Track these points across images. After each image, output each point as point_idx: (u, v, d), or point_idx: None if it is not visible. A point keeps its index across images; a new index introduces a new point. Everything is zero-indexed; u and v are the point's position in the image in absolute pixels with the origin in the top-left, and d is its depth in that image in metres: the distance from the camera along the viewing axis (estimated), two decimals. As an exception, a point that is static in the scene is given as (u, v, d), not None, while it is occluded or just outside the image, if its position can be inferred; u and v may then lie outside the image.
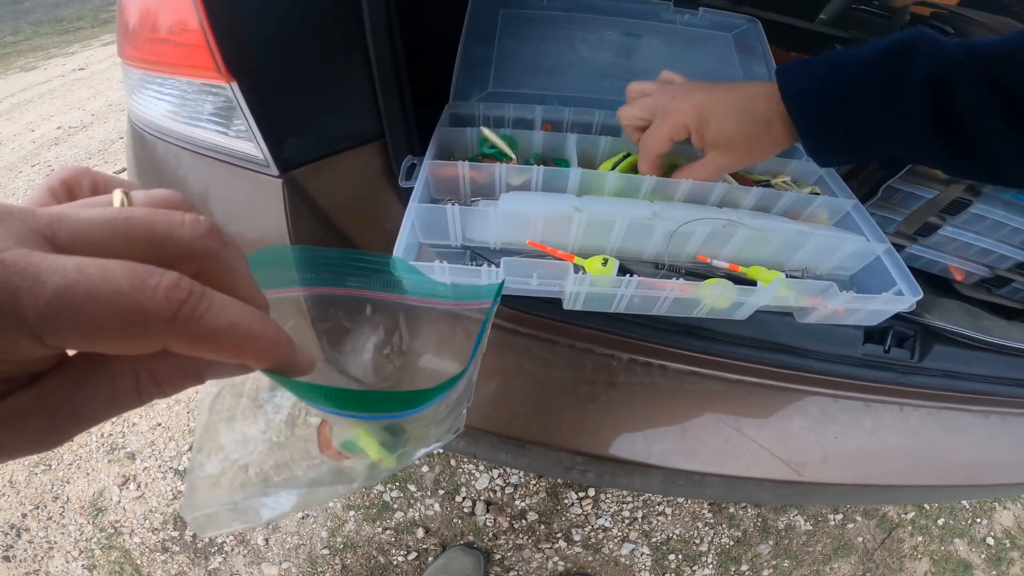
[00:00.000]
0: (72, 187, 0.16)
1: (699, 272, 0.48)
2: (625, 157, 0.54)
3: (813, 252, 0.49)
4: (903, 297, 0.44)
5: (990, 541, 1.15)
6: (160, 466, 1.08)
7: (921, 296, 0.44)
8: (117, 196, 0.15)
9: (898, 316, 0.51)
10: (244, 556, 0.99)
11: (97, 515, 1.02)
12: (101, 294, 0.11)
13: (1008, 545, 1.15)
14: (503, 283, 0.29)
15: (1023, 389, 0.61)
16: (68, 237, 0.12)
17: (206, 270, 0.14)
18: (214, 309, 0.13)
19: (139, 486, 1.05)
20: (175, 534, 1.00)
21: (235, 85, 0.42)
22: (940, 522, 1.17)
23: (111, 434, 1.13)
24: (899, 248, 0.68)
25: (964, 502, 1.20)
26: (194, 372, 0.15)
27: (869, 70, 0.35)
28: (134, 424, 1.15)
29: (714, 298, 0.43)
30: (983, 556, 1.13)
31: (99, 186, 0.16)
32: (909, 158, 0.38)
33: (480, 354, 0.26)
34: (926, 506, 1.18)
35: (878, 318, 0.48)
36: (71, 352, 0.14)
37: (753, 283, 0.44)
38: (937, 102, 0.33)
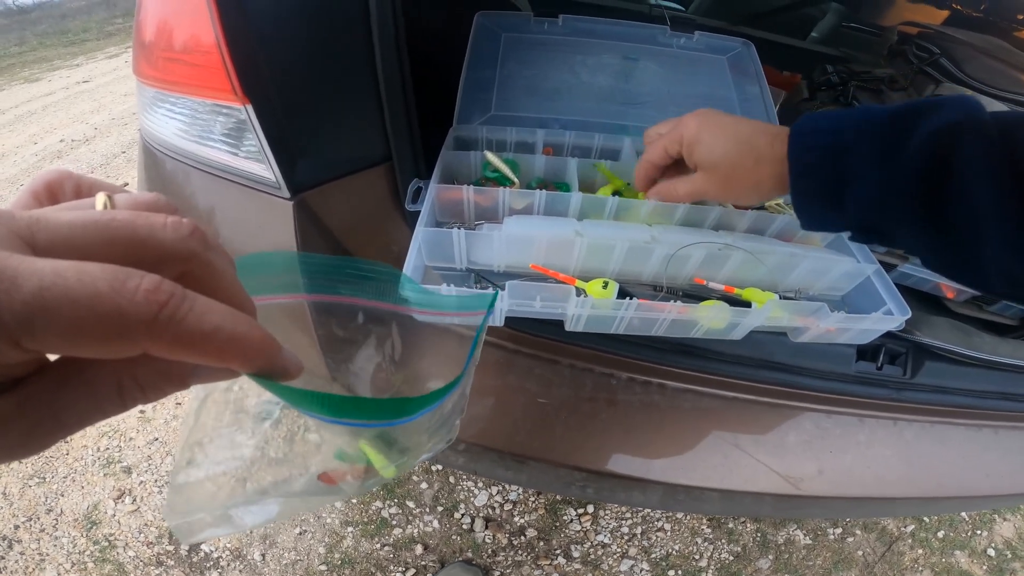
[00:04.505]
0: (55, 191, 0.16)
1: (696, 294, 0.50)
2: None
3: (806, 273, 0.50)
4: (892, 316, 0.46)
5: (991, 552, 1.15)
6: (156, 480, 1.07)
7: (909, 315, 0.46)
8: (100, 199, 0.15)
9: (890, 334, 0.53)
10: (240, 571, 0.98)
11: (91, 528, 1.00)
12: (79, 297, 0.11)
13: (1009, 556, 1.15)
14: (496, 295, 0.29)
15: (1013, 403, 0.62)
16: (48, 240, 0.12)
17: (190, 273, 0.14)
18: (196, 312, 0.13)
19: (135, 500, 1.05)
20: (170, 548, 0.99)
21: (250, 108, 0.43)
22: (940, 534, 1.17)
23: (107, 448, 1.13)
24: (891, 267, 0.70)
25: (964, 514, 1.20)
26: (179, 376, 0.15)
27: (880, 120, 0.33)
28: (131, 439, 1.15)
29: (710, 319, 0.44)
30: (984, 568, 1.13)
31: (82, 190, 0.16)
32: (883, 224, 0.34)
33: (474, 365, 0.26)
34: (925, 519, 1.19)
35: (869, 337, 0.50)
36: (53, 357, 0.13)
37: (748, 304, 0.45)
38: (936, 157, 0.30)
